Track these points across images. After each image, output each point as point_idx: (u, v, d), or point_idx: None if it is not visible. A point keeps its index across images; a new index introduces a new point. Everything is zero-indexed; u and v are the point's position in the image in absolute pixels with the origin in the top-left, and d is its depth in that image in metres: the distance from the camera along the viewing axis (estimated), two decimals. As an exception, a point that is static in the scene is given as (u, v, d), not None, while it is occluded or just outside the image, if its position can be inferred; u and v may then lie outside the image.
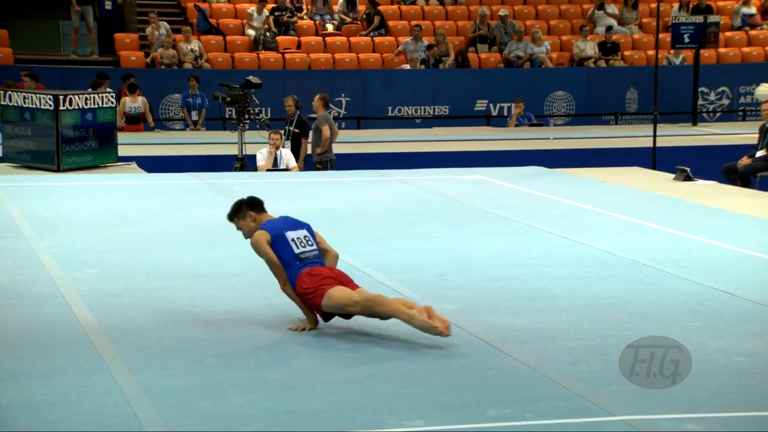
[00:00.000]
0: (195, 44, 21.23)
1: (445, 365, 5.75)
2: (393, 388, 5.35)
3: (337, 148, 15.37)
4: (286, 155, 14.70)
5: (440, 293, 7.25)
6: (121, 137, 15.62)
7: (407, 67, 21.84)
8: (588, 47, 22.92)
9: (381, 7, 23.31)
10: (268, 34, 22.00)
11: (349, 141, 17.04)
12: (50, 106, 13.86)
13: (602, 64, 22.90)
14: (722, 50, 23.52)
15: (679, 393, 5.28)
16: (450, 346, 6.08)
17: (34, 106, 14.04)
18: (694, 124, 20.87)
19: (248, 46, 21.91)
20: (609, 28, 23.39)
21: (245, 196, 6.69)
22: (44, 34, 25.03)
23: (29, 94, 14.31)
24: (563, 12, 24.48)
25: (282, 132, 15.06)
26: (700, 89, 21.41)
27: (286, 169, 14.50)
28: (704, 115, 22.40)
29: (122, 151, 14.80)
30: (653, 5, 23.32)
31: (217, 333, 6.32)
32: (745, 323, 6.64)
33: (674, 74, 21.89)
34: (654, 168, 15.00)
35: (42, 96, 14.10)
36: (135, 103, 18.35)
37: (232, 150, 15.23)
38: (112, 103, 14.76)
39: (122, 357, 5.82)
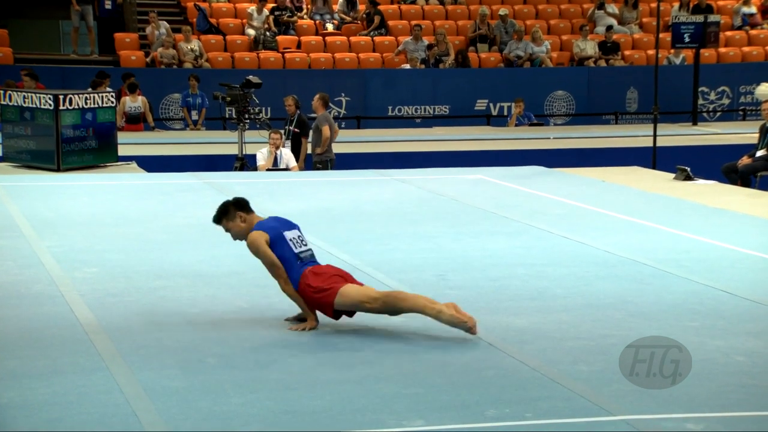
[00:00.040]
0: (195, 44, 21.23)
1: (445, 365, 5.75)
2: (393, 387, 5.35)
3: (337, 148, 15.37)
4: (286, 155, 14.70)
5: (440, 293, 7.24)
6: (121, 137, 15.62)
7: (407, 66, 21.84)
8: (588, 47, 22.92)
9: (381, 7, 23.31)
10: (268, 33, 22.00)
11: (349, 140, 17.04)
12: (50, 105, 13.86)
13: (602, 63, 22.91)
14: (722, 50, 23.52)
15: (679, 392, 5.28)
16: (450, 345, 6.08)
17: (34, 106, 14.04)
18: (695, 123, 20.86)
19: (248, 45, 21.91)
20: (609, 28, 23.39)
21: (230, 198, 6.62)
22: (44, 34, 25.04)
23: (29, 94, 14.30)
24: (563, 11, 24.48)
25: (282, 132, 15.06)
26: (700, 89, 21.41)
27: (286, 169, 14.50)
28: (704, 114, 22.40)
29: (122, 150, 14.80)
30: (653, 5, 23.31)
31: (217, 332, 6.32)
32: (745, 323, 6.64)
33: (674, 74, 21.89)
34: (654, 168, 15.00)
35: (42, 95, 14.10)
36: (135, 102, 18.35)
37: (232, 150, 15.23)
38: (112, 102, 14.76)
39: (122, 356, 5.81)
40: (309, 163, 15.23)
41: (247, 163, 14.91)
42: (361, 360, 5.86)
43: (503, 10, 23.41)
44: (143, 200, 11.32)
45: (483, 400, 5.19)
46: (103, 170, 14.18)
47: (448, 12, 24.03)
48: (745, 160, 13.87)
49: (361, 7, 23.37)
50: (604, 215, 10.56)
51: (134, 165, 14.65)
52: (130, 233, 9.38)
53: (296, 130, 15.30)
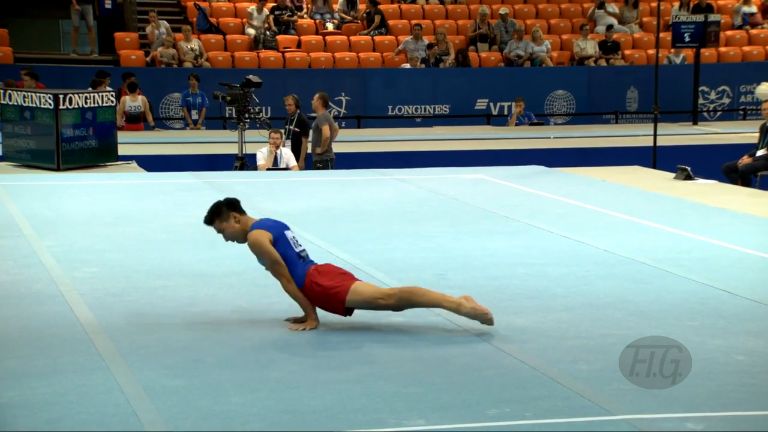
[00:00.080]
0: (195, 43, 21.22)
1: (445, 364, 5.75)
2: (393, 387, 5.35)
3: (337, 148, 15.37)
4: (286, 154, 14.70)
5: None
6: (121, 136, 15.62)
7: (407, 66, 21.83)
8: (588, 46, 22.91)
9: (381, 6, 23.31)
10: (268, 33, 22.00)
11: (349, 140, 17.04)
12: (50, 105, 13.86)
13: (603, 63, 22.90)
14: (723, 49, 23.51)
15: (680, 392, 5.28)
16: (450, 345, 6.08)
17: (34, 105, 14.04)
18: (695, 123, 20.86)
19: (248, 45, 21.91)
20: (609, 27, 23.39)
21: (221, 198, 6.56)
22: (44, 33, 25.02)
23: (29, 93, 14.30)
24: (563, 11, 24.48)
25: (282, 131, 15.06)
26: (700, 88, 21.41)
27: (286, 169, 14.49)
28: (705, 114, 22.39)
29: (122, 150, 14.80)
30: (654, 4, 23.31)
31: (217, 332, 6.32)
32: (745, 322, 6.64)
33: (675, 73, 21.88)
34: (654, 167, 15.00)
35: (42, 95, 14.10)
36: (135, 102, 18.35)
37: (232, 149, 15.22)
38: (112, 102, 14.76)
39: (122, 356, 5.81)
40: (309, 163, 15.22)
41: (247, 162, 14.91)
42: (361, 359, 5.86)
43: (503, 10, 23.41)
44: (143, 200, 11.31)
45: (483, 399, 5.19)
46: (103, 170, 14.18)
47: (449, 11, 24.03)
48: (745, 160, 13.87)
49: (362, 7, 23.37)
50: (604, 215, 10.56)
51: (134, 164, 14.65)
52: (130, 233, 9.38)
53: (296, 129, 15.30)
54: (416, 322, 6.51)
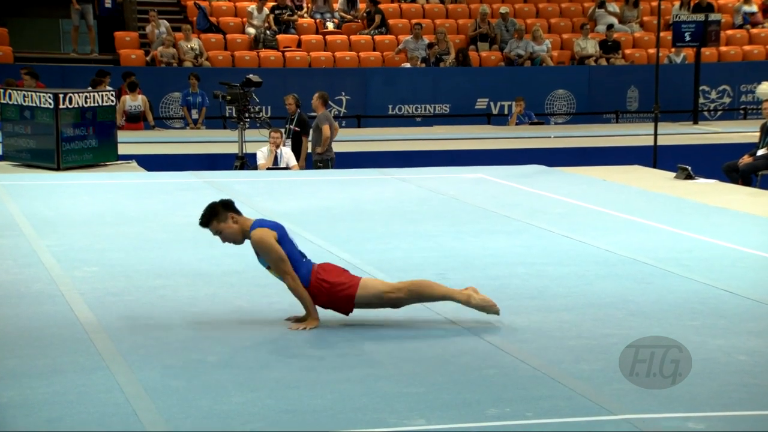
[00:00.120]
0: (195, 42, 21.22)
1: (445, 364, 5.74)
2: (394, 386, 5.34)
3: (338, 147, 15.36)
4: (287, 154, 14.69)
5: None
6: (121, 136, 15.61)
7: (408, 65, 21.83)
8: (589, 45, 22.91)
9: (381, 6, 23.30)
10: (268, 32, 21.99)
11: (349, 139, 17.04)
12: (50, 104, 13.85)
13: (603, 62, 22.89)
14: (723, 48, 23.50)
15: (681, 392, 5.27)
16: (451, 344, 6.07)
17: (34, 105, 14.03)
18: (695, 122, 20.85)
19: (248, 44, 21.90)
20: (610, 27, 23.38)
21: (216, 200, 6.51)
22: (44, 33, 25.02)
23: (29, 93, 14.30)
24: (564, 10, 24.47)
25: (282, 130, 15.05)
26: (701, 88, 21.40)
27: (287, 168, 14.48)
28: (705, 113, 22.38)
29: (122, 149, 14.79)
30: (654, 3, 23.30)
31: (217, 331, 6.31)
32: (746, 322, 6.63)
33: (675, 73, 21.87)
34: (655, 166, 14.99)
35: (42, 94, 14.09)
36: (135, 101, 18.34)
37: (233, 148, 15.21)
38: (112, 101, 14.75)
39: (122, 355, 5.80)
40: (309, 162, 15.22)
41: (247, 162, 14.90)
42: (361, 359, 5.85)
43: (504, 9, 23.41)
44: (143, 199, 11.31)
45: (484, 399, 5.18)
46: (103, 169, 14.17)
47: (449, 11, 24.02)
48: (746, 159, 13.87)
49: (362, 6, 23.36)
50: (604, 214, 10.55)
51: (134, 164, 14.64)
52: (130, 232, 9.37)
53: (297, 128, 15.29)
54: (417, 321, 6.51)
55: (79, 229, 9.46)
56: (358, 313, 6.44)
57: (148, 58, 21.08)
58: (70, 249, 8.61)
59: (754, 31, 24.34)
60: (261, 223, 6.41)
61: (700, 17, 20.57)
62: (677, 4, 23.73)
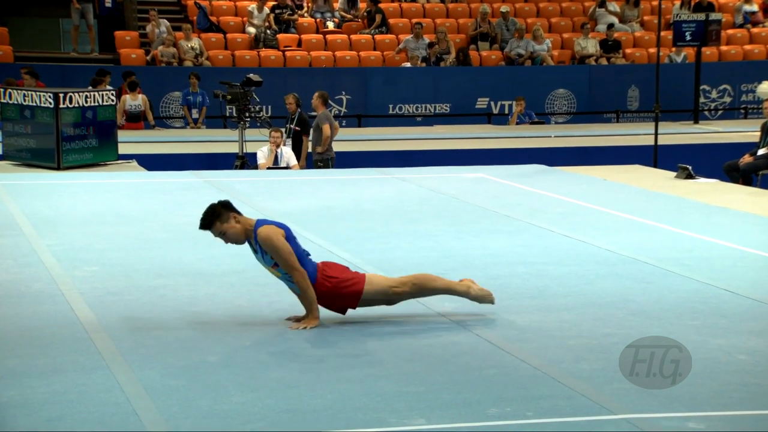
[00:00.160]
0: (195, 42, 21.21)
1: (446, 363, 5.73)
2: (394, 386, 5.34)
3: (338, 146, 15.36)
4: (287, 153, 14.68)
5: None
6: (122, 135, 15.61)
7: (408, 65, 21.83)
8: (589, 45, 22.90)
9: (382, 5, 23.30)
10: (268, 31, 21.99)
11: (349, 139, 17.04)
12: (50, 103, 13.85)
13: (603, 61, 22.89)
14: (724, 48, 23.49)
15: (681, 391, 5.26)
16: (451, 344, 6.07)
17: (34, 104, 14.03)
18: (696, 122, 20.83)
19: (249, 43, 21.90)
20: (610, 26, 23.38)
21: (215, 202, 6.46)
22: (44, 32, 25.03)
23: (29, 92, 14.29)
24: (564, 10, 24.46)
25: (283, 130, 15.05)
26: (701, 87, 21.38)
27: (287, 167, 14.48)
28: (706, 113, 22.38)
29: (122, 149, 14.79)
30: (655, 3, 23.30)
31: (217, 331, 6.30)
32: (746, 321, 6.63)
33: (676, 72, 21.87)
34: (655, 166, 14.98)
35: (42, 94, 14.09)
36: (135, 101, 18.33)
37: (233, 148, 15.21)
38: (113, 100, 14.75)
39: (122, 355, 5.80)
40: (310, 162, 15.21)
41: (247, 161, 14.90)
42: (361, 359, 5.85)
43: (504, 8, 23.40)
44: (143, 199, 11.30)
45: (484, 398, 5.18)
46: (103, 168, 14.17)
47: (449, 10, 24.02)
48: (746, 159, 13.86)
49: (362, 5, 23.36)
50: (605, 214, 10.55)
51: (134, 163, 14.64)
52: (130, 232, 9.37)
53: (297, 128, 15.29)
54: (417, 321, 6.51)
55: (79, 229, 9.45)
56: (357, 313, 6.44)
57: (148, 58, 21.08)
58: (70, 248, 8.61)
59: (755, 30, 24.33)
60: (266, 222, 6.41)
61: (701, 17, 20.56)
62: (678, 3, 23.72)
